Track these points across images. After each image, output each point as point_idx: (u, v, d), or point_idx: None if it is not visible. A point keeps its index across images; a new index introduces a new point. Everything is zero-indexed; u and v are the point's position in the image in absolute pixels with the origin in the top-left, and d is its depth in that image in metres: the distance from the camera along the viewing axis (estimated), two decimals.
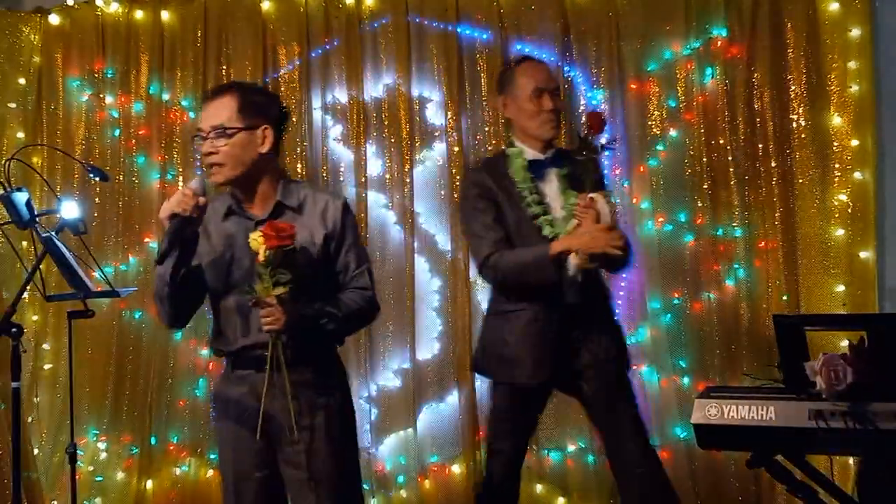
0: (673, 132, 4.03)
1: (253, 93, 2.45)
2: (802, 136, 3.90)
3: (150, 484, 4.29)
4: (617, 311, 3.09)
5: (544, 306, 2.82)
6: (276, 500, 2.46)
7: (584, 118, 2.94)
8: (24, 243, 4.14)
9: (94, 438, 4.36)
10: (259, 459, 2.41)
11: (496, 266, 2.79)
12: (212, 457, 4.27)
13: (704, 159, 3.97)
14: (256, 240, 2.23)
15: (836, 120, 3.87)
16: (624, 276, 4.00)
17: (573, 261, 2.75)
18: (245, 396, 2.40)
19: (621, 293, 4.03)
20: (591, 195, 2.75)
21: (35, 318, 4.42)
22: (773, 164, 3.92)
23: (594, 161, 2.84)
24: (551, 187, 2.90)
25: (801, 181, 3.90)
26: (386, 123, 4.24)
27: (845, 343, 3.16)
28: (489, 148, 4.14)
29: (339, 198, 2.51)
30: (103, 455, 4.35)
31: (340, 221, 2.44)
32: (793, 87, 3.92)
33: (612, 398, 2.87)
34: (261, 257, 2.22)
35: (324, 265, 2.43)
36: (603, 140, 2.89)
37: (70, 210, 3.17)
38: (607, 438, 2.93)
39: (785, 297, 3.87)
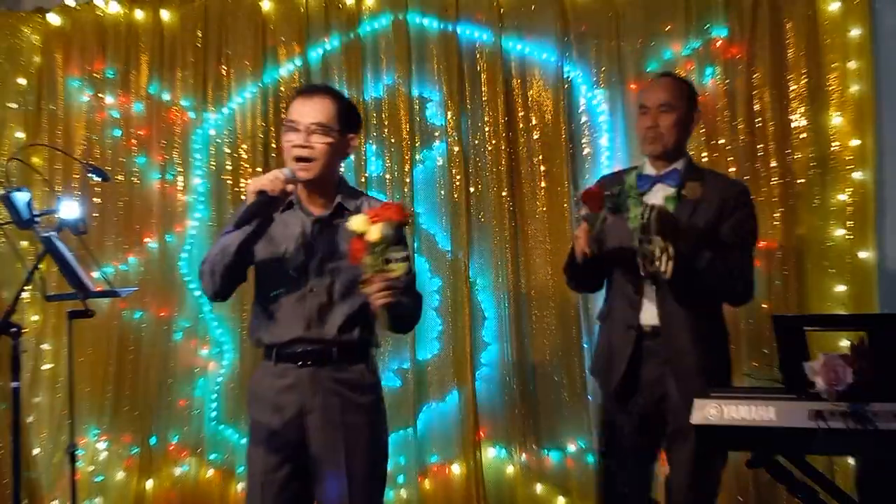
0: None
1: (346, 101, 2.55)
2: (802, 136, 3.90)
3: (150, 484, 4.29)
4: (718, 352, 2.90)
5: (624, 321, 2.86)
6: (301, 497, 2.48)
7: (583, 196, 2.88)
8: (24, 243, 4.14)
9: (94, 438, 4.36)
10: (289, 455, 2.44)
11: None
12: (212, 457, 4.27)
13: (704, 159, 3.97)
14: (362, 221, 2.27)
15: (836, 120, 3.87)
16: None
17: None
18: (286, 390, 2.43)
19: None
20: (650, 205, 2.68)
21: (35, 318, 4.42)
22: (773, 164, 3.92)
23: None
24: (655, 201, 2.81)
25: (801, 181, 3.90)
26: (386, 123, 4.25)
27: (845, 343, 3.16)
28: (489, 148, 4.15)
29: None
30: (103, 455, 4.35)
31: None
32: (793, 87, 3.91)
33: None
34: (374, 235, 2.26)
35: None
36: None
37: (70, 210, 3.17)
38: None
39: (785, 298, 3.87)
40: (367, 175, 4.24)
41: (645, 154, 2.94)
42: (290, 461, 2.45)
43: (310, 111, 2.44)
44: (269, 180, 2.32)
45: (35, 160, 4.43)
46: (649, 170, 2.93)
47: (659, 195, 2.85)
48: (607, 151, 4.05)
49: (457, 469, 4.12)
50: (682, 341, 2.78)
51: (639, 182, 2.88)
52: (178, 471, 4.30)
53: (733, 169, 3.94)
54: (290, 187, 2.36)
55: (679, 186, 2.85)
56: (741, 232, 2.84)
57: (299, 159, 2.42)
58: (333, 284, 2.45)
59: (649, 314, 2.82)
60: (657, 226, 2.58)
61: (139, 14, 4.43)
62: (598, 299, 3.99)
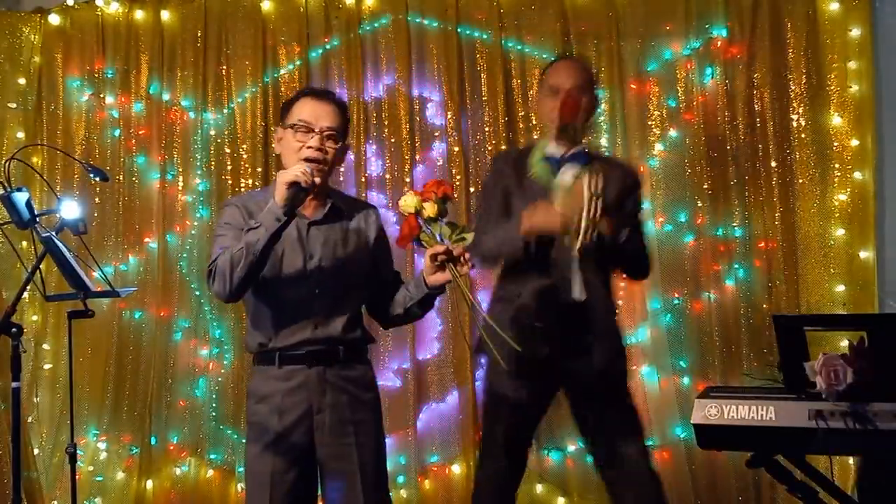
0: (673, 132, 4.03)
1: (347, 112, 2.57)
2: (802, 136, 3.91)
3: (150, 484, 4.29)
4: (617, 316, 3.00)
5: (537, 294, 2.84)
6: (306, 499, 2.50)
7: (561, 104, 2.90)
8: (24, 243, 4.13)
9: (94, 438, 4.36)
10: (296, 457, 2.45)
11: (478, 243, 2.80)
12: (212, 457, 4.27)
13: (704, 159, 3.97)
14: (413, 200, 2.37)
15: (836, 120, 3.87)
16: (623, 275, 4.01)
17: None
18: (292, 392, 2.44)
19: (621, 293, 4.03)
20: (580, 173, 2.72)
21: (35, 318, 4.42)
22: (773, 164, 3.92)
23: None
24: (564, 182, 2.84)
25: (801, 181, 3.90)
26: (386, 123, 4.25)
27: (845, 343, 3.16)
28: (489, 148, 4.15)
29: (375, 208, 2.68)
30: (103, 455, 4.35)
31: (378, 234, 2.61)
32: (793, 87, 3.92)
33: (609, 406, 2.85)
34: (432, 211, 2.37)
35: (370, 269, 2.56)
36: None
37: (70, 210, 3.16)
38: (602, 446, 2.90)
39: (785, 297, 3.87)
40: (367, 175, 4.24)
41: (556, 124, 2.86)
42: (298, 464, 2.45)
43: (325, 115, 2.45)
44: (300, 171, 2.30)
45: (35, 160, 4.43)
46: (553, 150, 2.90)
47: (568, 174, 2.84)
48: (607, 151, 4.05)
49: (457, 469, 4.12)
50: (600, 312, 2.87)
51: (545, 162, 2.88)
52: (178, 471, 4.29)
53: (733, 169, 3.94)
54: (317, 180, 2.36)
55: (587, 165, 2.84)
56: (638, 210, 2.96)
57: (313, 160, 2.40)
58: (336, 285, 2.46)
59: (578, 289, 2.83)
60: (603, 196, 2.64)
61: (139, 14, 4.43)
62: None
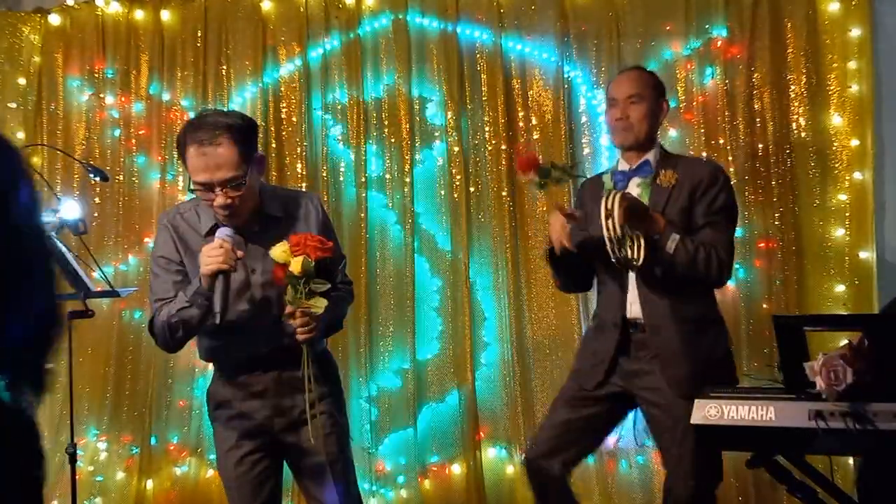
0: (673, 132, 4.03)
1: (242, 128, 2.37)
2: (802, 136, 3.90)
3: (150, 484, 4.29)
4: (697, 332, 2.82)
5: (609, 318, 2.87)
6: (274, 499, 2.55)
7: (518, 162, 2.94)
8: None
9: (94, 438, 4.36)
10: (264, 455, 2.51)
11: None
12: (211, 457, 4.27)
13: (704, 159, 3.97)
14: (285, 251, 2.25)
15: (836, 120, 3.87)
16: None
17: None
18: (252, 397, 2.47)
19: None
20: (612, 191, 2.72)
21: None
22: (773, 164, 3.92)
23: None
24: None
25: (801, 181, 3.90)
26: (386, 123, 4.25)
27: (845, 343, 3.15)
28: (489, 148, 4.15)
29: (313, 197, 2.59)
30: (103, 455, 4.35)
31: (322, 221, 2.54)
32: (793, 87, 3.92)
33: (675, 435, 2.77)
34: (296, 268, 2.24)
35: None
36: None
37: (70, 210, 3.17)
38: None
39: (785, 297, 3.87)
40: (367, 175, 4.24)
41: (616, 145, 2.95)
42: (267, 458, 2.51)
43: (216, 165, 2.31)
44: (221, 259, 2.26)
45: (35, 160, 4.43)
46: (623, 165, 2.95)
47: (634, 188, 2.86)
48: (607, 151, 4.05)
49: (457, 469, 4.11)
50: (668, 332, 2.76)
51: (615, 178, 2.92)
52: (178, 471, 4.30)
53: (733, 169, 3.94)
54: (240, 253, 2.32)
55: (653, 176, 2.86)
56: (713, 209, 2.80)
57: (226, 213, 2.37)
58: (281, 294, 2.40)
59: (634, 308, 2.82)
60: (621, 211, 2.59)
61: (139, 14, 4.44)
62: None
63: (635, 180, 2.88)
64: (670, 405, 2.73)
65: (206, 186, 2.33)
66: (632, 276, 2.80)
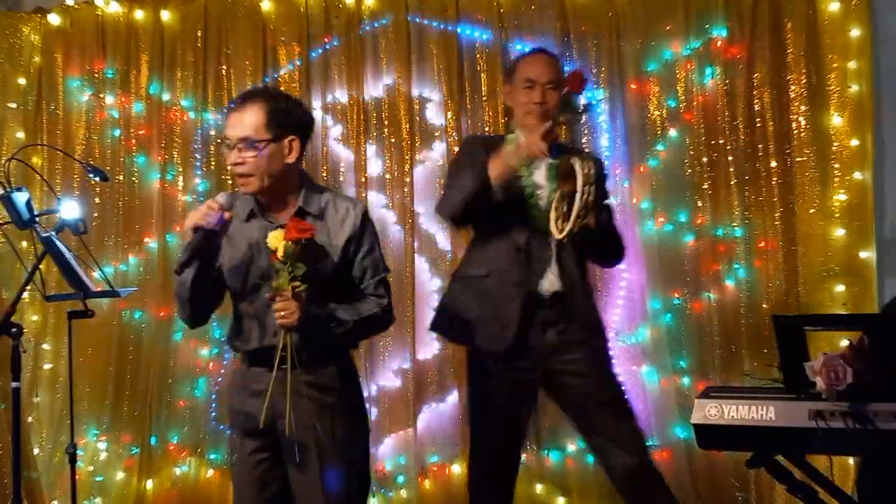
0: (673, 132, 4.03)
1: (280, 102, 2.44)
2: (802, 136, 3.90)
3: (150, 484, 4.29)
4: (594, 299, 3.10)
5: (510, 276, 2.86)
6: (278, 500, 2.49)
7: (567, 77, 2.98)
8: (24, 243, 4.13)
9: (94, 438, 4.36)
10: (269, 456, 2.46)
11: (444, 201, 2.86)
12: (212, 457, 4.27)
13: (704, 159, 3.97)
14: (276, 237, 2.28)
15: (836, 120, 3.87)
16: (624, 275, 4.01)
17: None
18: (256, 395, 2.43)
19: (621, 293, 4.04)
20: (570, 159, 2.75)
21: (35, 318, 4.42)
22: (773, 164, 3.92)
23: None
24: (539, 177, 2.92)
25: (801, 181, 3.90)
26: (386, 123, 4.24)
27: (845, 343, 3.16)
28: None
29: (360, 206, 2.52)
30: (103, 455, 4.35)
31: (359, 228, 2.46)
32: (793, 87, 3.91)
33: (601, 398, 2.88)
34: (280, 252, 2.26)
35: (342, 271, 2.45)
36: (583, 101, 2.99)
37: (70, 210, 3.16)
38: (600, 444, 2.92)
39: (785, 297, 3.87)
40: (367, 175, 4.24)
41: (529, 127, 2.90)
42: (271, 459, 2.47)
43: (235, 125, 2.39)
44: (202, 214, 2.32)
45: (35, 160, 4.43)
46: None
47: (542, 167, 2.91)
48: (607, 151, 4.05)
49: (457, 469, 4.11)
50: (577, 299, 2.90)
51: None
52: (178, 471, 4.29)
53: (733, 169, 3.94)
54: (227, 214, 2.34)
55: (562, 157, 2.89)
56: (608, 198, 3.04)
57: (238, 175, 2.42)
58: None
59: (550, 279, 2.86)
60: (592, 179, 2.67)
61: (139, 14, 4.43)
62: (599, 299, 4.02)
63: (541, 161, 2.90)
64: (591, 375, 2.87)
65: (227, 145, 2.40)
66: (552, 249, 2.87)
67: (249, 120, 2.37)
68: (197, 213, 2.34)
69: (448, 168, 3.14)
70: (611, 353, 3.04)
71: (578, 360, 2.87)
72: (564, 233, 2.71)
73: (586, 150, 3.00)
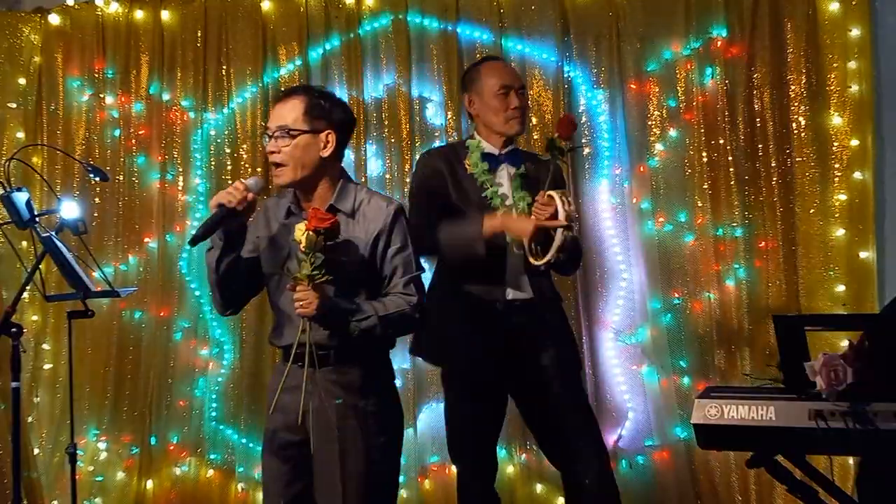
0: (673, 132, 4.03)
1: (320, 97, 2.47)
2: (802, 136, 3.91)
3: (150, 484, 4.29)
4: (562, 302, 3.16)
5: (487, 298, 2.89)
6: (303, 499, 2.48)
7: (558, 121, 3.02)
8: (24, 243, 4.13)
9: (94, 438, 4.36)
10: (292, 454, 2.47)
11: (424, 237, 2.82)
12: (212, 457, 4.27)
13: (704, 159, 3.97)
14: (300, 228, 2.30)
15: (836, 120, 3.87)
16: (624, 276, 4.01)
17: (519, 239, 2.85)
18: (289, 390, 2.44)
19: (621, 293, 4.04)
20: (549, 193, 2.81)
21: (35, 318, 4.42)
22: (773, 164, 3.92)
23: (557, 164, 2.95)
24: (502, 182, 2.96)
25: (801, 181, 3.90)
26: (386, 123, 4.25)
27: (845, 343, 3.16)
28: None
29: (395, 203, 2.50)
30: (103, 455, 4.35)
31: (389, 226, 2.44)
32: (793, 87, 3.92)
33: (567, 411, 2.92)
34: (302, 243, 2.28)
35: (372, 268, 2.45)
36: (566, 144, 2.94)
37: (70, 210, 3.17)
38: (562, 454, 2.99)
39: (785, 297, 3.87)
40: (366, 175, 4.24)
41: (510, 133, 2.97)
42: (300, 456, 2.45)
43: (276, 115, 2.45)
44: (226, 192, 2.36)
45: (35, 160, 4.43)
46: (490, 148, 2.99)
47: (504, 174, 2.95)
48: (607, 151, 4.05)
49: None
50: (545, 310, 2.94)
51: (484, 160, 2.96)
52: (178, 471, 4.29)
53: (732, 169, 3.94)
54: (250, 196, 2.37)
55: (524, 165, 2.97)
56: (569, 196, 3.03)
57: (273, 165, 2.45)
58: (332, 286, 2.41)
59: (517, 288, 2.91)
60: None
61: (139, 14, 4.43)
62: (599, 300, 4.02)
63: (508, 168, 2.96)
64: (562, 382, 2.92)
65: (267, 135, 2.45)
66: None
67: (288, 110, 2.42)
68: (223, 191, 2.38)
69: (414, 191, 3.06)
70: (579, 362, 3.10)
71: (545, 369, 2.90)
72: (542, 262, 2.80)
73: (542, 156, 2.97)
